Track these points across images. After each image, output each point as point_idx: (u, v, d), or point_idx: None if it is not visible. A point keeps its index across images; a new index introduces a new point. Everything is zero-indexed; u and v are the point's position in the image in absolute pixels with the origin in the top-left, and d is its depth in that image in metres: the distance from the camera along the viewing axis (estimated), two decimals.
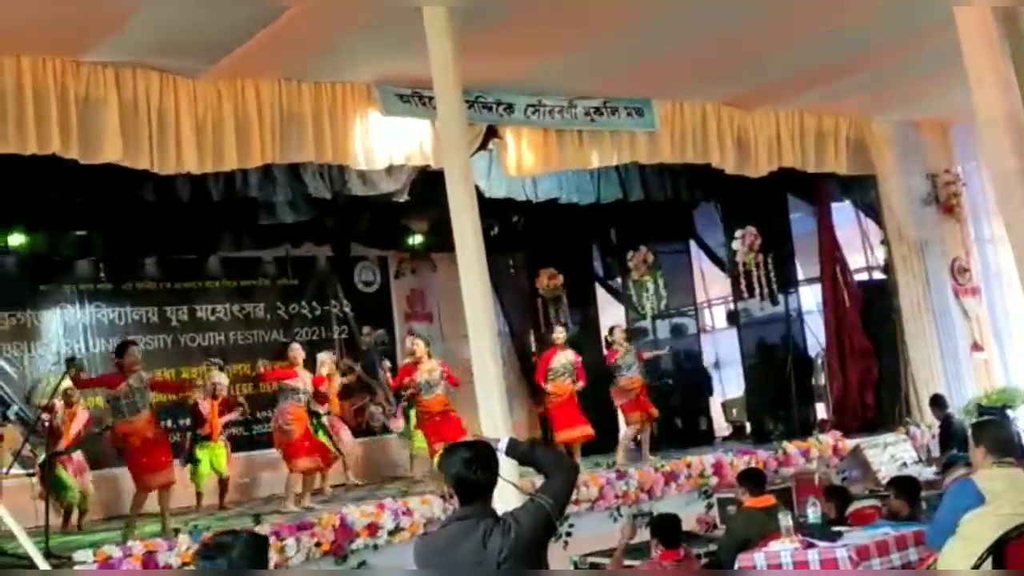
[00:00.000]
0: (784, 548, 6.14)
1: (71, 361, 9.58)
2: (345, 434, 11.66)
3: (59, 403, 9.87)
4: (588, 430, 11.26)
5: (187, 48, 7.85)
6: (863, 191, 12.84)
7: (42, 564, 6.52)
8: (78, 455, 10.10)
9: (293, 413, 9.97)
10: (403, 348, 13.28)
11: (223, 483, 11.11)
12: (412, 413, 11.36)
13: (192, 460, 10.91)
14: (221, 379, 11.35)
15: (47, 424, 9.59)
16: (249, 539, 3.50)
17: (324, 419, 11.28)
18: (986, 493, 4.84)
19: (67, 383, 9.80)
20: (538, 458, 4.13)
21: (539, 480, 4.00)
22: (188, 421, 11.40)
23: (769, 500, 7.46)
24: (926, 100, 11.66)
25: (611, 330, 12.16)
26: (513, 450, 4.16)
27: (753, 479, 7.78)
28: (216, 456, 10.98)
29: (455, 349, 14.23)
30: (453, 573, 3.77)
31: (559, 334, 11.67)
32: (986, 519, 4.75)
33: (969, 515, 4.81)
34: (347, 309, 13.85)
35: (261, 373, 11.40)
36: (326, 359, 11.28)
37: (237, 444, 11.75)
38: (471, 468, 3.81)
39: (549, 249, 14.10)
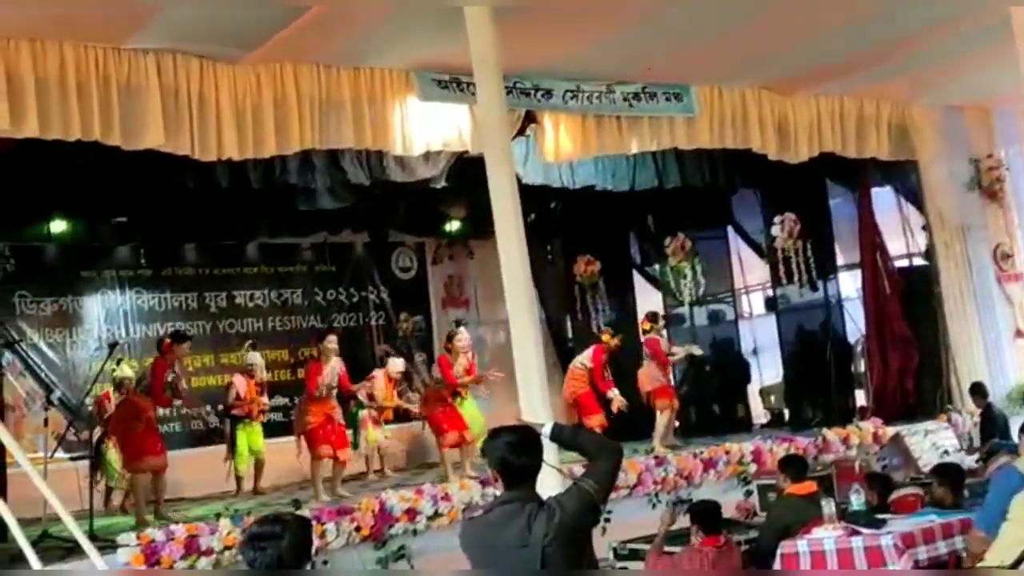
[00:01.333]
0: (827, 535, 6.10)
1: (114, 346, 9.63)
2: (376, 432, 11.65)
3: (111, 388, 9.96)
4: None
5: (226, 34, 7.87)
6: (904, 176, 12.71)
7: (88, 547, 6.62)
8: None
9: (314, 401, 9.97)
10: (440, 335, 13.31)
11: (259, 465, 11.13)
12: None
13: (231, 443, 10.97)
14: (256, 359, 11.36)
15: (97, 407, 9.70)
16: (297, 526, 3.50)
17: (362, 412, 11.32)
18: None
19: (126, 372, 9.98)
20: (583, 443, 4.11)
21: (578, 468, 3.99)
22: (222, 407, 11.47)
23: (811, 487, 7.42)
24: (969, 84, 11.49)
25: (653, 317, 12.02)
26: (558, 435, 4.14)
27: (795, 465, 7.74)
28: (253, 437, 11.00)
29: (492, 335, 14.29)
30: (497, 559, 3.76)
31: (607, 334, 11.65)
32: None
33: (1018, 497, 4.74)
34: (384, 296, 13.89)
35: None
36: (399, 365, 11.66)
37: (275, 430, 11.83)
38: (516, 452, 3.79)
39: (586, 236, 14.05)
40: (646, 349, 11.63)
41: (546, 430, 4.12)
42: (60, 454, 9.54)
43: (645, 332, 11.82)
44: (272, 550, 3.37)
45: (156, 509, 9.06)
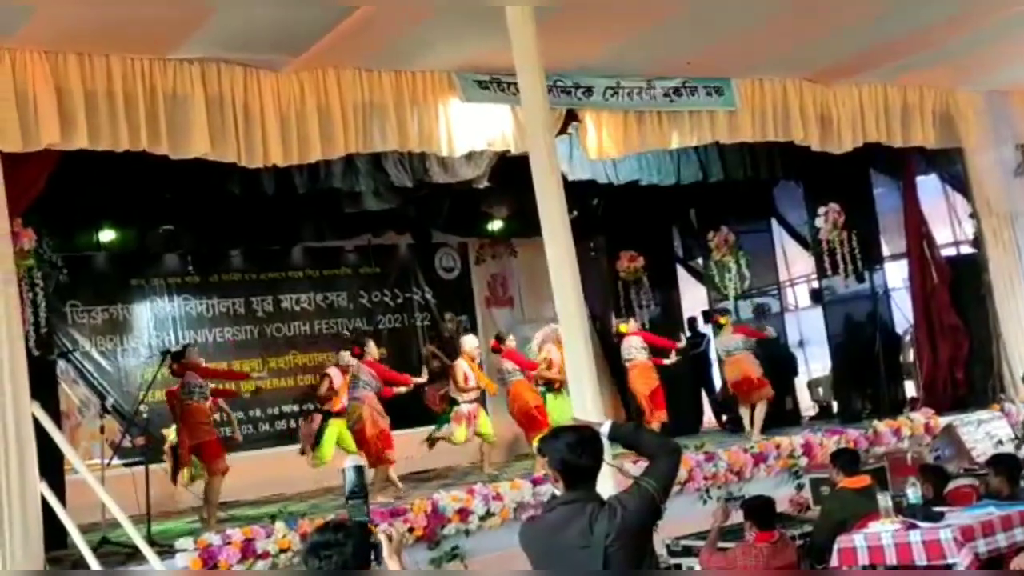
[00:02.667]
0: (885, 529, 6.05)
1: (167, 353, 9.74)
2: (465, 430, 11.25)
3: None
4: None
5: (268, 42, 7.94)
6: (949, 163, 12.56)
7: (148, 552, 6.71)
8: None
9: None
10: (485, 334, 13.33)
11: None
12: None
13: (318, 441, 10.59)
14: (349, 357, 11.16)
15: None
16: (359, 533, 3.52)
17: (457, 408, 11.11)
18: None
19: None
20: (642, 442, 4.12)
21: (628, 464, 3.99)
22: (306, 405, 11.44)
23: (864, 480, 7.36)
24: (1013, 68, 11.36)
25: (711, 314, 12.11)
26: (616, 434, 4.15)
27: (847, 459, 7.69)
28: (342, 435, 10.64)
29: (536, 334, 14.29)
30: (558, 559, 3.77)
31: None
32: None
33: None
34: (429, 296, 13.96)
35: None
36: (473, 341, 11.44)
37: None
38: (576, 452, 3.81)
39: (628, 231, 14.02)
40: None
41: (604, 429, 4.13)
42: (115, 461, 9.66)
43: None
44: (337, 557, 3.39)
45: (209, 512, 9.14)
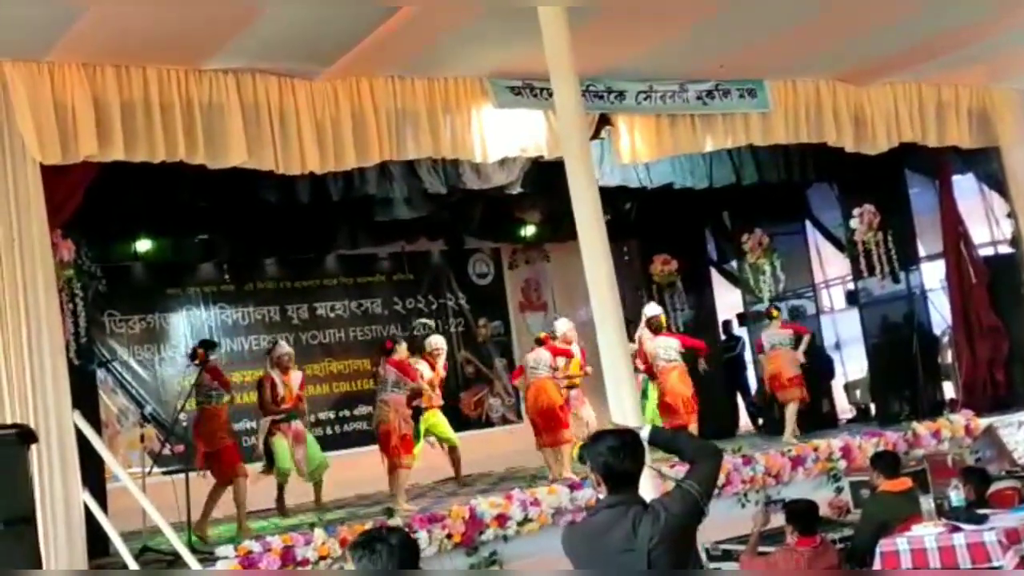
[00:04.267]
0: (928, 532, 6.00)
1: (205, 362, 9.77)
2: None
3: (273, 373, 9.87)
4: None
5: (303, 51, 8.00)
6: (986, 162, 12.42)
7: (189, 558, 6.76)
8: (297, 423, 9.89)
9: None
10: (519, 339, 13.34)
11: (454, 455, 11.00)
12: None
13: (416, 436, 10.29)
14: (438, 342, 11.14)
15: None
16: (403, 536, 3.52)
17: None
18: None
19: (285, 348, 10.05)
20: (682, 445, 4.12)
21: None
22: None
23: (906, 483, 7.31)
24: None
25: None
26: (656, 438, 4.15)
27: (887, 462, 7.63)
28: (434, 424, 10.48)
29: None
30: (602, 563, 3.77)
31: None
32: None
33: None
34: (462, 302, 13.98)
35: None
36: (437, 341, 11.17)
37: (358, 440, 11.94)
38: (619, 456, 3.81)
39: (661, 235, 13.97)
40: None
41: (644, 434, 4.12)
42: (155, 469, 9.73)
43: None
44: (385, 553, 3.40)
45: (239, 521, 9.03)
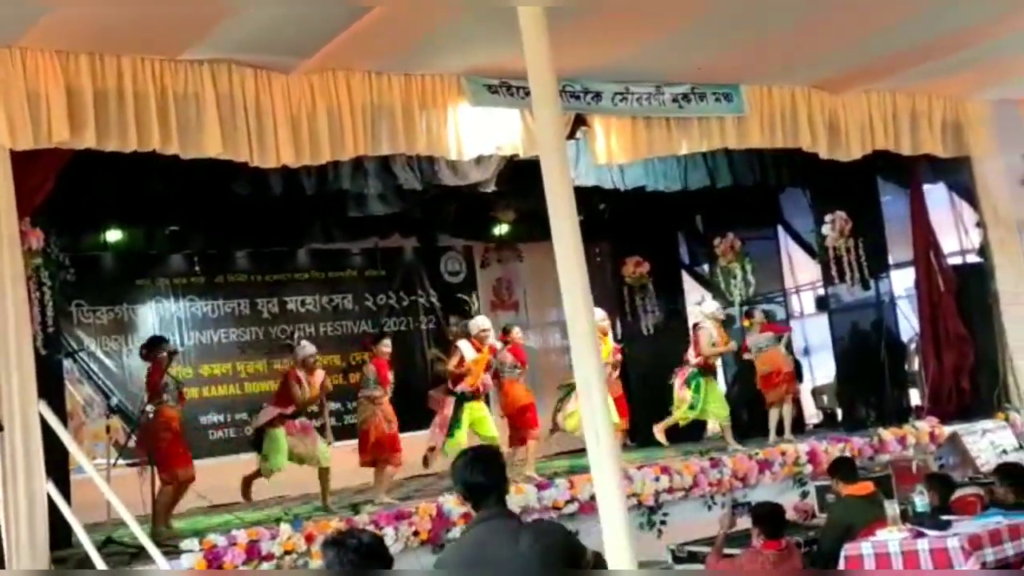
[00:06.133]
0: (892, 537, 6.06)
1: (173, 354, 9.71)
2: None
3: (302, 372, 9.70)
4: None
5: (279, 45, 7.95)
6: (957, 172, 12.54)
7: (154, 551, 6.71)
8: (303, 419, 9.74)
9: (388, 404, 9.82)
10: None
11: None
12: None
13: (453, 427, 9.91)
14: (484, 323, 10.56)
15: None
16: (374, 537, 3.58)
17: None
18: None
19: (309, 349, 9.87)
20: None
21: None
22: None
23: (868, 487, 7.40)
24: (1022, 78, 11.36)
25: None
26: None
27: (845, 467, 7.73)
28: (478, 419, 9.98)
29: (541, 338, 14.32)
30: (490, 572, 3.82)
31: None
32: None
33: None
34: (434, 299, 13.96)
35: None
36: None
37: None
38: (471, 471, 3.92)
39: (634, 237, 13.99)
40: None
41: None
42: (120, 461, 9.67)
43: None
44: (354, 552, 3.43)
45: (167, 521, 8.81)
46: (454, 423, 9.93)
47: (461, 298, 12.54)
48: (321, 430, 9.89)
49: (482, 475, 3.89)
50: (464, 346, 10.24)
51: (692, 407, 11.29)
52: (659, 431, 11.33)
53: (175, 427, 8.98)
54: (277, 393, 9.91)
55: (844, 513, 7.14)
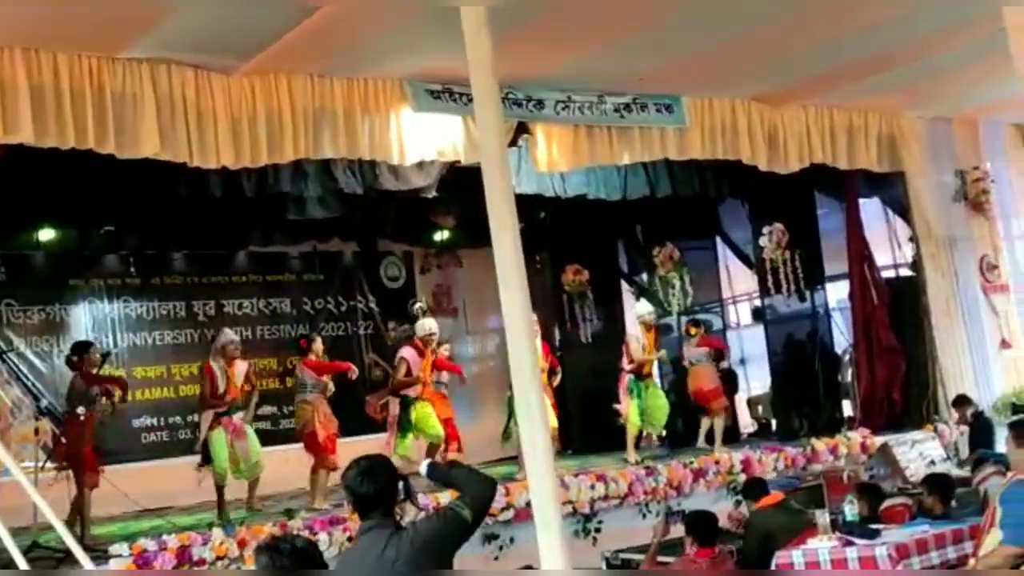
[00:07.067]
0: (822, 546, 6.15)
1: (106, 356, 9.58)
2: None
3: (215, 364, 9.44)
4: None
5: (220, 45, 7.90)
6: (891, 187, 12.77)
7: (81, 556, 6.58)
8: (238, 418, 9.53)
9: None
10: None
11: (430, 452, 9.91)
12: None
13: (402, 428, 9.89)
14: (431, 326, 10.45)
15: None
16: (307, 542, 3.59)
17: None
18: None
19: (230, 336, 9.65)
20: (455, 478, 4.31)
21: None
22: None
23: (777, 496, 7.58)
24: (956, 96, 11.63)
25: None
26: (432, 472, 4.41)
27: (754, 487, 7.89)
28: (423, 417, 9.91)
29: (480, 345, 14.30)
30: None
31: None
32: None
33: None
34: (372, 305, 13.89)
35: None
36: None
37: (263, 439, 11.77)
38: (359, 481, 3.95)
39: (574, 245, 14.06)
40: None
41: (422, 468, 4.41)
42: (48, 464, 9.47)
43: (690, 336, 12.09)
44: (288, 557, 3.45)
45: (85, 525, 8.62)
46: (403, 425, 9.93)
47: (414, 302, 12.45)
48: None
49: (372, 486, 3.93)
50: (409, 354, 10.16)
51: (641, 413, 11.36)
52: (630, 454, 11.25)
53: (92, 432, 8.92)
54: (200, 394, 9.74)
55: (759, 522, 7.28)
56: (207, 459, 9.33)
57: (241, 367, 9.67)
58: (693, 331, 12.16)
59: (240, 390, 9.57)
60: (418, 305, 11.77)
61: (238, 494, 10.32)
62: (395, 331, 13.73)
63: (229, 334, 9.80)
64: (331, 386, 9.83)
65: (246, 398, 9.74)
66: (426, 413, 9.99)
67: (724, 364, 12.14)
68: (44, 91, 7.42)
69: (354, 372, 10.04)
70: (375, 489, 3.92)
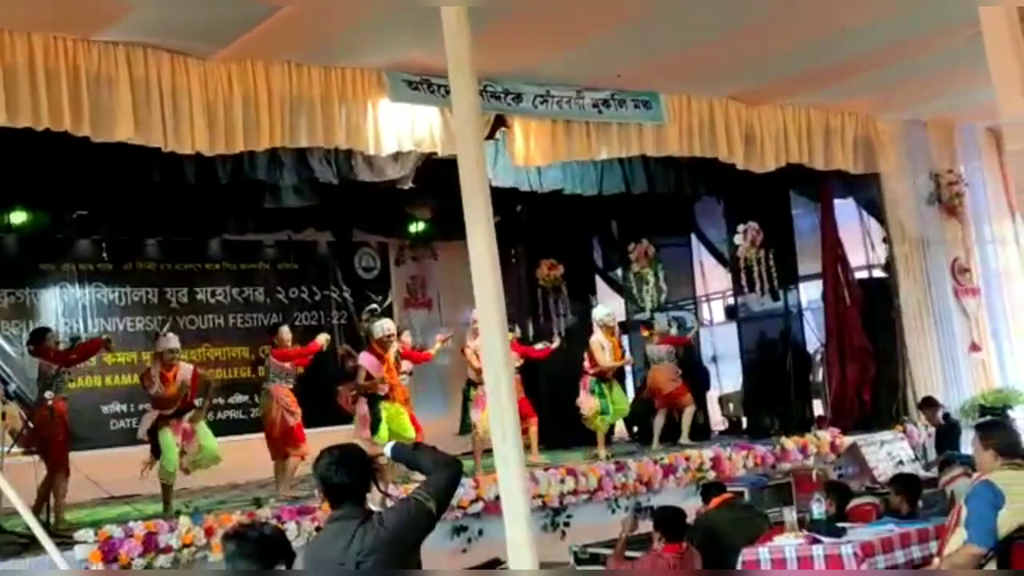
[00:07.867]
0: (789, 543, 6.17)
1: (75, 340, 9.51)
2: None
3: (153, 368, 9.35)
4: None
5: (197, 30, 7.85)
6: (866, 188, 12.83)
7: (46, 542, 6.54)
8: (187, 422, 9.38)
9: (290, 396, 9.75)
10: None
11: None
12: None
13: (375, 423, 9.71)
14: (389, 327, 10.26)
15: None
16: (274, 532, 3.58)
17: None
18: (1004, 493, 4.84)
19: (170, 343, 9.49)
20: (420, 460, 4.26)
21: None
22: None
23: (727, 496, 7.59)
24: (932, 99, 11.71)
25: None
26: (398, 454, 4.40)
27: (712, 490, 7.86)
28: (396, 417, 9.78)
29: (454, 337, 14.26)
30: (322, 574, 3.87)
31: None
32: (1007, 519, 4.76)
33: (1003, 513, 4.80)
34: (346, 295, 13.87)
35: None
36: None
37: (234, 427, 11.73)
38: (332, 470, 3.92)
39: (549, 240, 14.10)
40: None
41: (386, 449, 4.41)
42: (15, 449, 9.39)
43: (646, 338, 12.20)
44: (254, 545, 3.44)
45: (58, 513, 8.69)
46: (375, 421, 9.78)
47: (372, 298, 12.43)
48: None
49: (345, 476, 3.91)
50: (366, 360, 9.99)
51: (604, 412, 11.38)
52: (600, 449, 11.30)
53: (64, 419, 8.89)
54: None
55: (702, 522, 7.34)
56: (157, 453, 9.22)
57: (185, 369, 9.46)
58: (646, 332, 12.22)
59: (188, 391, 9.36)
60: (371, 306, 11.71)
61: (204, 483, 10.33)
62: (368, 321, 13.70)
63: (170, 340, 9.62)
64: (299, 370, 9.78)
65: (198, 396, 9.54)
66: (397, 411, 9.88)
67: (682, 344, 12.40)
68: (17, 72, 7.34)
69: (324, 341, 10.07)
70: (348, 479, 3.90)
